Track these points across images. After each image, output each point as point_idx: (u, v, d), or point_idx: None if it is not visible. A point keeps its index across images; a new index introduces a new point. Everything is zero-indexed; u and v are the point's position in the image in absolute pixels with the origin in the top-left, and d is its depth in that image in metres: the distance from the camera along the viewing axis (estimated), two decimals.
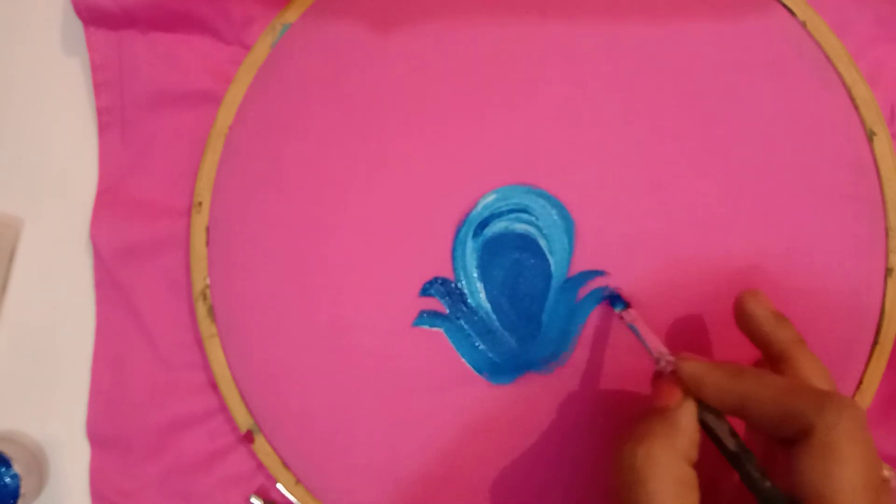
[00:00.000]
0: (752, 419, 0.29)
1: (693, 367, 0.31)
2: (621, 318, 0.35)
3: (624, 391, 0.37)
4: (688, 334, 0.37)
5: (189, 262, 0.39)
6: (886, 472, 0.27)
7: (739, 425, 0.31)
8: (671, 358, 0.32)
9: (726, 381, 0.30)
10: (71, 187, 0.41)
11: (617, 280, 0.37)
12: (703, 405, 0.30)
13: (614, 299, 0.36)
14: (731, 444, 0.30)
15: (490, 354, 0.37)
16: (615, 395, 0.37)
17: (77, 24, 0.39)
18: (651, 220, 0.37)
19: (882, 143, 0.37)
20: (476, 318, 0.37)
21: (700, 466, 0.30)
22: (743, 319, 0.33)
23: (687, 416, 0.30)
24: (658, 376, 0.32)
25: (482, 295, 0.37)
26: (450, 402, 0.37)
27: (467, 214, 0.37)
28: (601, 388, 0.37)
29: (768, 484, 0.29)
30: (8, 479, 0.38)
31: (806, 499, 0.27)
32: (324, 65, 0.38)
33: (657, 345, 0.33)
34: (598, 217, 0.37)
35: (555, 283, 0.37)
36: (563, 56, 0.37)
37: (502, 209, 0.37)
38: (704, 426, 0.30)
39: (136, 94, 0.39)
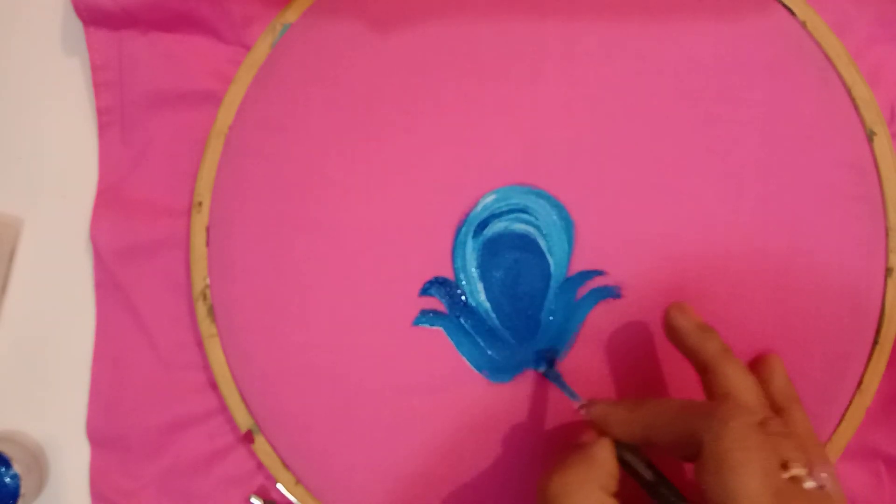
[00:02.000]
0: (658, 446, 0.30)
1: (598, 409, 0.32)
2: (545, 375, 0.36)
3: (622, 389, 0.37)
4: None
5: (189, 262, 0.39)
6: (796, 471, 0.27)
7: None
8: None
9: (627, 415, 0.31)
10: (71, 187, 0.41)
11: (616, 280, 0.37)
12: (620, 444, 0.32)
13: (540, 359, 0.37)
14: (647, 475, 0.31)
15: (490, 353, 0.37)
16: (613, 392, 0.37)
17: (77, 24, 0.39)
18: (651, 220, 0.37)
19: (882, 143, 0.37)
20: (476, 317, 0.37)
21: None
22: (670, 332, 0.34)
23: (602, 450, 0.31)
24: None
25: (482, 294, 0.37)
26: (450, 400, 0.37)
27: (467, 214, 0.37)
28: (599, 385, 0.37)
29: None
30: (8, 479, 0.38)
31: None
32: (324, 65, 0.38)
33: (574, 394, 0.35)
34: (597, 217, 0.37)
35: (554, 282, 0.37)
36: (563, 56, 0.37)
37: (502, 209, 0.37)
38: (624, 464, 0.32)
39: (136, 94, 0.39)
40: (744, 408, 0.29)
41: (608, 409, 0.32)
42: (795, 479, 0.27)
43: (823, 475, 0.28)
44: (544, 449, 0.37)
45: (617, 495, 0.30)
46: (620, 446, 0.32)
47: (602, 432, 0.32)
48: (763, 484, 0.26)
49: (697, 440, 0.28)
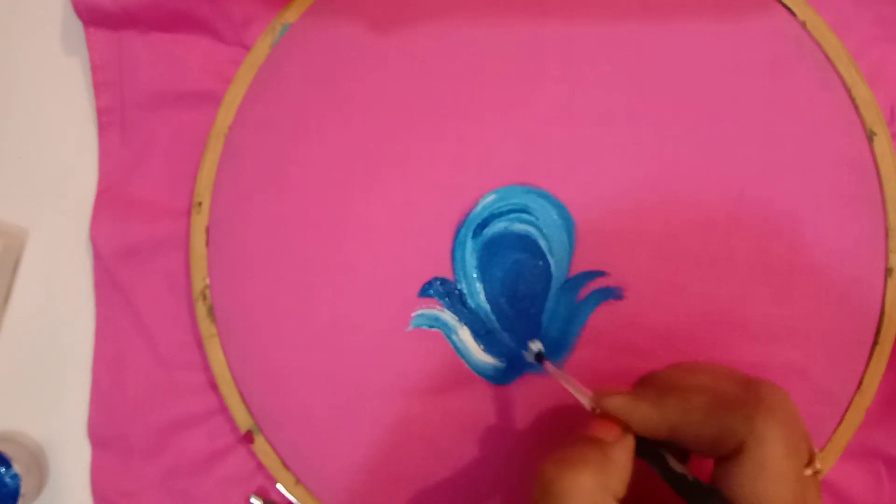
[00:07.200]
0: (687, 445, 0.28)
1: (616, 403, 0.29)
2: (547, 372, 0.35)
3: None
4: (688, 335, 0.37)
5: (189, 262, 0.39)
6: (819, 465, 0.27)
7: None
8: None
9: (652, 413, 0.28)
10: (71, 188, 0.41)
11: (617, 281, 0.37)
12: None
13: (540, 356, 0.36)
14: (680, 469, 0.28)
15: (489, 355, 0.37)
16: None
17: (77, 24, 0.39)
18: (651, 220, 0.37)
19: (882, 143, 0.37)
20: (475, 318, 0.37)
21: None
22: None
23: (623, 453, 0.28)
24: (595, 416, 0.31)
25: (481, 296, 0.37)
26: (448, 402, 0.37)
27: (467, 215, 0.37)
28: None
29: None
30: (8, 479, 0.38)
31: None
32: (324, 65, 0.38)
33: (581, 388, 0.32)
34: (598, 217, 0.37)
35: (555, 283, 0.37)
36: (563, 56, 0.37)
37: (502, 209, 0.37)
38: (646, 454, 0.29)
39: (136, 94, 0.39)
40: (781, 405, 0.27)
41: (627, 404, 0.29)
42: (815, 473, 0.27)
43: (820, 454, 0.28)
44: (544, 451, 0.37)
45: (623, 501, 0.28)
46: (645, 439, 0.29)
47: (624, 426, 0.29)
48: (795, 491, 0.25)
49: (737, 441, 0.26)
